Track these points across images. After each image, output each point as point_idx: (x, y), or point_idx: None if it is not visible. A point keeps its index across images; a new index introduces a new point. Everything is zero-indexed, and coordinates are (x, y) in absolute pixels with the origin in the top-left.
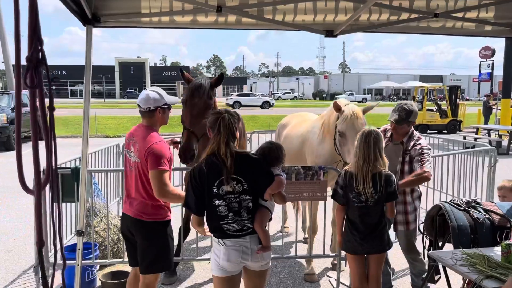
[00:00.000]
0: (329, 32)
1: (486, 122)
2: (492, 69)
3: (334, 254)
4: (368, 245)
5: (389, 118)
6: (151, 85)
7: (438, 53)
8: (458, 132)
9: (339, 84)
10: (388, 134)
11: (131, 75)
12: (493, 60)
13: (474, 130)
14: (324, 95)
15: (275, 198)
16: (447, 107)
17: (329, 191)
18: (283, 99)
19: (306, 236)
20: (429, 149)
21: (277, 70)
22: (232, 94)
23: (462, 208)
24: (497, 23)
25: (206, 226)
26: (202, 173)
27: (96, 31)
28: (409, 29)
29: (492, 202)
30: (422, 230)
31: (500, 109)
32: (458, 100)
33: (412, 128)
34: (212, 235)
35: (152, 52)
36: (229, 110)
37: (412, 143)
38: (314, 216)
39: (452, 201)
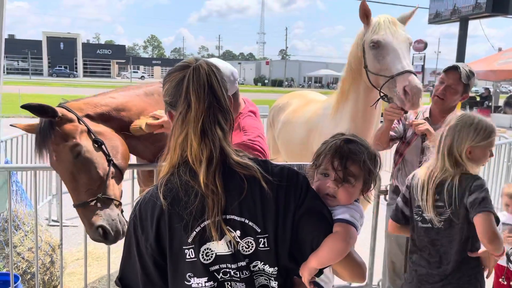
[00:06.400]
0: None
1: None
2: (424, 61)
3: None
4: None
5: (446, 69)
6: (84, 64)
7: None
8: None
9: (280, 70)
10: (426, 114)
11: (61, 52)
12: (425, 53)
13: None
14: (266, 81)
15: (338, 270)
16: None
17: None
18: None
19: None
20: None
21: (218, 54)
22: None
23: None
24: None
25: None
26: (156, 214)
27: (23, 3)
28: None
29: None
30: None
31: None
32: None
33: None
34: None
35: (84, 29)
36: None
37: None
38: None
39: None
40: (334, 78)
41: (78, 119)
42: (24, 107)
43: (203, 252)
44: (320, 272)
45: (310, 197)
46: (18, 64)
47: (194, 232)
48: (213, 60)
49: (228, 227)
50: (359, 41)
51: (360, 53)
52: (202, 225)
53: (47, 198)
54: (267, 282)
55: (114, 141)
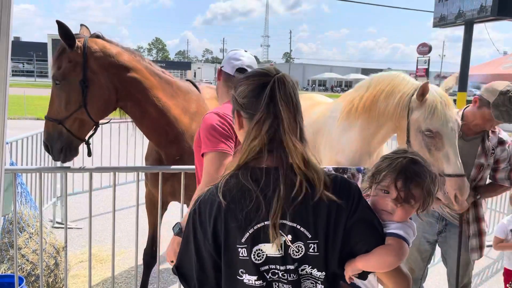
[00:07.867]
0: None
1: None
2: (428, 65)
3: None
4: None
5: (504, 120)
6: None
7: (377, 48)
8: None
9: None
10: None
11: None
12: (429, 57)
13: None
14: None
15: (383, 279)
16: None
17: None
18: None
19: None
20: None
21: (222, 56)
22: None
23: None
24: None
25: None
26: (214, 213)
27: (29, 5)
28: None
29: None
30: None
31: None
32: None
33: None
34: None
35: (91, 32)
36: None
37: (495, 139)
38: None
39: None
40: (338, 81)
41: (85, 63)
42: (58, 22)
43: (254, 252)
44: (365, 275)
45: (362, 207)
46: (23, 66)
47: (248, 233)
48: (245, 54)
49: (280, 231)
50: (403, 102)
51: (402, 119)
52: (255, 227)
53: (52, 200)
54: (313, 286)
55: (100, 93)
